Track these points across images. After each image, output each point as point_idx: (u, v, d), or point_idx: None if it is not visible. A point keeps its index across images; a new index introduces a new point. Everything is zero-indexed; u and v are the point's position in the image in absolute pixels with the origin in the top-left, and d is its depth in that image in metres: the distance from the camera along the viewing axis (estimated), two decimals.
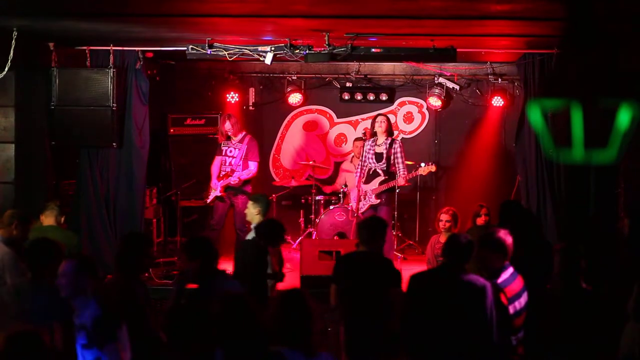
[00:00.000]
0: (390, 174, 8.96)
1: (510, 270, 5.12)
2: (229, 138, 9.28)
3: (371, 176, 9.03)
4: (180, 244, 9.70)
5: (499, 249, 5.09)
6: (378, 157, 8.99)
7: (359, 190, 9.05)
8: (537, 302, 5.12)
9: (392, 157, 8.95)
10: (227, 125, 9.21)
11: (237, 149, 9.21)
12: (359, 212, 8.98)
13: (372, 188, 8.97)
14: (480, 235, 5.45)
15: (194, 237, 5.81)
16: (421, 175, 9.35)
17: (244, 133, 9.32)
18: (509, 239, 5.12)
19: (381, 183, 8.94)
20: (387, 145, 8.96)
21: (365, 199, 9.05)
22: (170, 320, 3.91)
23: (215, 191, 9.16)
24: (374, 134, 9.07)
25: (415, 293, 5.06)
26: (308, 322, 3.78)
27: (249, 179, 9.20)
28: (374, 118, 9.14)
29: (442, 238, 7.66)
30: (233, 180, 9.07)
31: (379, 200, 8.93)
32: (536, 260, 5.77)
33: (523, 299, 5.09)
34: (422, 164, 9.20)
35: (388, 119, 9.14)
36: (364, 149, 9.11)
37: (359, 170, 9.13)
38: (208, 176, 9.42)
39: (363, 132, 9.95)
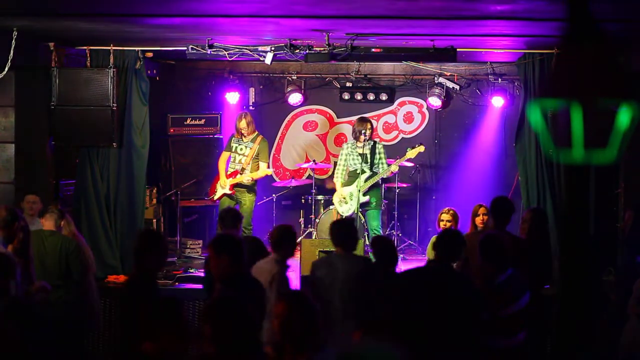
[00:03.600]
0: (374, 172, 9.12)
1: (509, 272, 5.09)
2: (241, 136, 9.33)
3: (352, 176, 9.14)
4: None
5: (495, 258, 5.05)
6: (362, 157, 9.07)
7: (340, 195, 9.17)
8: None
9: (376, 158, 9.09)
10: (243, 124, 9.27)
11: (248, 148, 9.27)
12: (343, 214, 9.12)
13: (356, 186, 9.02)
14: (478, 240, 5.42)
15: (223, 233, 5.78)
16: (410, 158, 9.42)
17: (256, 133, 9.38)
18: (505, 246, 5.08)
19: (367, 179, 9.06)
20: (370, 146, 9.08)
21: (351, 200, 9.11)
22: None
23: (224, 189, 9.20)
24: (357, 138, 9.12)
25: (404, 290, 5.09)
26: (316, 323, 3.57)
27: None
28: (363, 124, 9.12)
29: None
30: (247, 180, 9.17)
31: (367, 198, 9.02)
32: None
33: (522, 301, 5.06)
34: (408, 149, 9.30)
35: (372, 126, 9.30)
36: (345, 151, 9.22)
37: (339, 175, 9.24)
38: (208, 176, 9.43)
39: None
